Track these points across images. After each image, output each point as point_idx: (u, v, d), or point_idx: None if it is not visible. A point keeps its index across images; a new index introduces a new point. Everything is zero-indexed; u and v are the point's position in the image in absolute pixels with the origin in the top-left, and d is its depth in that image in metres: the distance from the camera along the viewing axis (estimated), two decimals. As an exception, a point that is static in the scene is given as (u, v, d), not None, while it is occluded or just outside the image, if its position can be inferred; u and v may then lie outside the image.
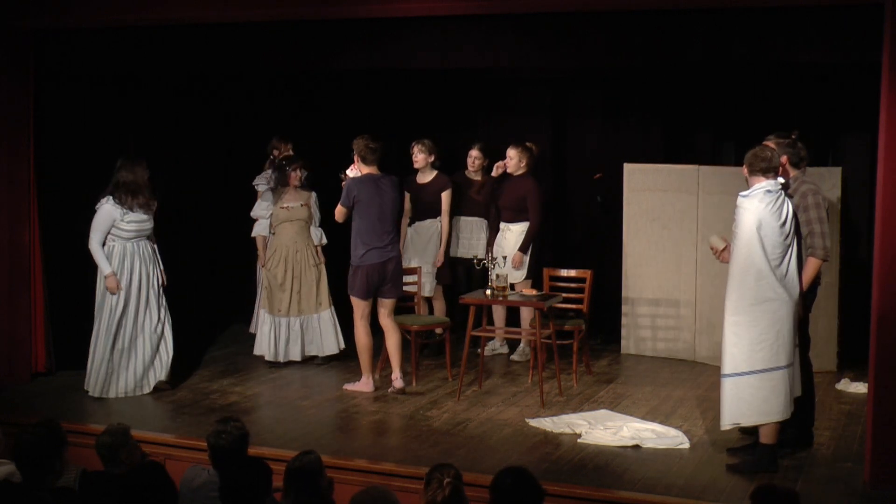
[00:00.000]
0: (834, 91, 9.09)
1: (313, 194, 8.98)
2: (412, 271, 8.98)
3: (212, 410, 7.58)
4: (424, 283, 9.12)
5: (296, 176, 8.87)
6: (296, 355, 8.88)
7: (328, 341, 8.95)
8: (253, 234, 9.31)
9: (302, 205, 8.87)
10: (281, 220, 8.85)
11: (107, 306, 7.93)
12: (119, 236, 7.94)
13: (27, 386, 8.38)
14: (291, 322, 8.87)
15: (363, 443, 6.93)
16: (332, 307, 8.98)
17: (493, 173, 9.06)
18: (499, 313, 9.09)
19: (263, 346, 8.85)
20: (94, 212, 7.99)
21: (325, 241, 9.05)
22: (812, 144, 9.24)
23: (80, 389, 8.19)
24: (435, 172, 9.18)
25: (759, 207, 6.12)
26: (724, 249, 6.58)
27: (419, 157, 9.11)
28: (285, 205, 8.84)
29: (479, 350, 8.54)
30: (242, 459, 4.93)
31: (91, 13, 7.97)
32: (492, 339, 9.24)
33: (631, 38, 7.22)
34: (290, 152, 9.33)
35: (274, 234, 8.93)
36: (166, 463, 6.12)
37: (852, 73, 8.48)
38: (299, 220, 8.87)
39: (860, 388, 8.08)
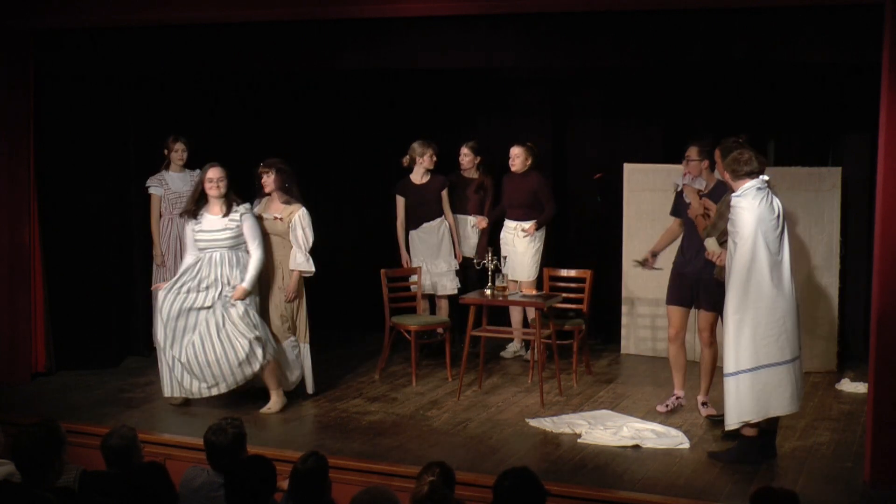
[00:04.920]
0: (834, 91, 9.09)
1: (300, 211, 7.74)
2: (413, 271, 9.00)
3: (212, 411, 7.58)
4: (446, 284, 9.16)
5: (268, 181, 7.77)
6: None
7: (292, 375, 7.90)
8: None
9: (276, 218, 7.74)
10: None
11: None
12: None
13: (27, 386, 8.37)
14: None
15: (363, 443, 6.93)
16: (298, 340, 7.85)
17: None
18: (516, 316, 9.08)
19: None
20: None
21: (311, 267, 7.78)
22: (812, 144, 9.32)
23: (80, 389, 8.21)
24: (430, 173, 9.24)
25: (755, 204, 6.24)
26: (721, 253, 6.69)
27: (434, 158, 9.18)
28: (259, 212, 7.82)
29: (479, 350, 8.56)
30: (240, 458, 4.93)
31: (91, 13, 7.97)
32: (510, 340, 9.32)
33: (631, 38, 7.21)
34: (183, 152, 8.93)
35: None
36: (166, 463, 6.12)
37: (852, 73, 8.47)
38: (272, 234, 7.75)
39: (860, 388, 8.08)
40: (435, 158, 9.18)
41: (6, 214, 8.34)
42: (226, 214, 7.56)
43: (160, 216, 8.88)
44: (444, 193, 9.22)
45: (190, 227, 7.64)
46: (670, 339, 7.65)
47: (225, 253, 7.54)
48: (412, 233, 9.28)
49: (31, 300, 8.51)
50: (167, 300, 7.49)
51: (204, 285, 7.50)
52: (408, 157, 9.22)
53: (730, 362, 6.31)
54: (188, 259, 7.65)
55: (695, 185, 7.43)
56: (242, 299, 7.46)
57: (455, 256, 9.26)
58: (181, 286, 7.51)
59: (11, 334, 8.40)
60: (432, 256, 9.19)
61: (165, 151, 8.94)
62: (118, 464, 5.08)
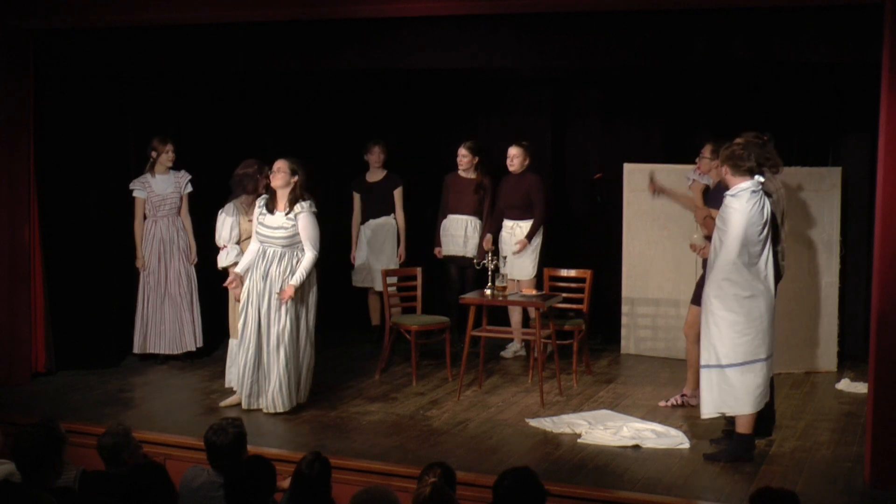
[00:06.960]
0: (834, 91, 9.09)
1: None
2: (413, 271, 8.99)
3: (212, 410, 7.58)
4: (377, 279, 9.23)
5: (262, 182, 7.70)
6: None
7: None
8: (222, 266, 7.95)
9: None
10: (250, 235, 7.69)
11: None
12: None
13: (27, 386, 8.37)
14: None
15: (363, 443, 6.92)
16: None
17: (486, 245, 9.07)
18: (515, 316, 9.10)
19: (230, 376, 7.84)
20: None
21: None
22: (812, 144, 9.31)
23: (80, 389, 8.21)
24: (385, 171, 9.58)
25: (747, 207, 6.30)
26: (705, 247, 6.86)
27: (382, 156, 9.57)
28: (251, 217, 7.65)
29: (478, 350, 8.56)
30: (241, 458, 4.93)
31: (91, 13, 7.96)
32: (510, 340, 9.33)
33: (631, 38, 7.21)
34: (171, 154, 8.88)
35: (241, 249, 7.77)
36: (166, 463, 6.13)
37: (852, 73, 8.47)
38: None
39: (860, 388, 8.08)
40: (383, 157, 9.57)
41: (6, 214, 8.34)
42: (288, 212, 7.40)
43: (144, 218, 8.90)
44: (397, 193, 9.52)
45: (255, 217, 7.49)
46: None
47: (278, 250, 7.38)
48: (361, 227, 9.61)
49: (31, 300, 8.50)
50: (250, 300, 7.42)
51: (261, 276, 7.39)
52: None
53: (710, 355, 6.41)
54: (252, 245, 7.52)
55: (702, 182, 7.50)
56: (291, 297, 7.28)
57: (397, 256, 9.52)
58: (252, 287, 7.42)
59: (11, 334, 8.39)
60: (375, 252, 9.50)
61: (153, 154, 8.91)
62: (112, 462, 5.10)
